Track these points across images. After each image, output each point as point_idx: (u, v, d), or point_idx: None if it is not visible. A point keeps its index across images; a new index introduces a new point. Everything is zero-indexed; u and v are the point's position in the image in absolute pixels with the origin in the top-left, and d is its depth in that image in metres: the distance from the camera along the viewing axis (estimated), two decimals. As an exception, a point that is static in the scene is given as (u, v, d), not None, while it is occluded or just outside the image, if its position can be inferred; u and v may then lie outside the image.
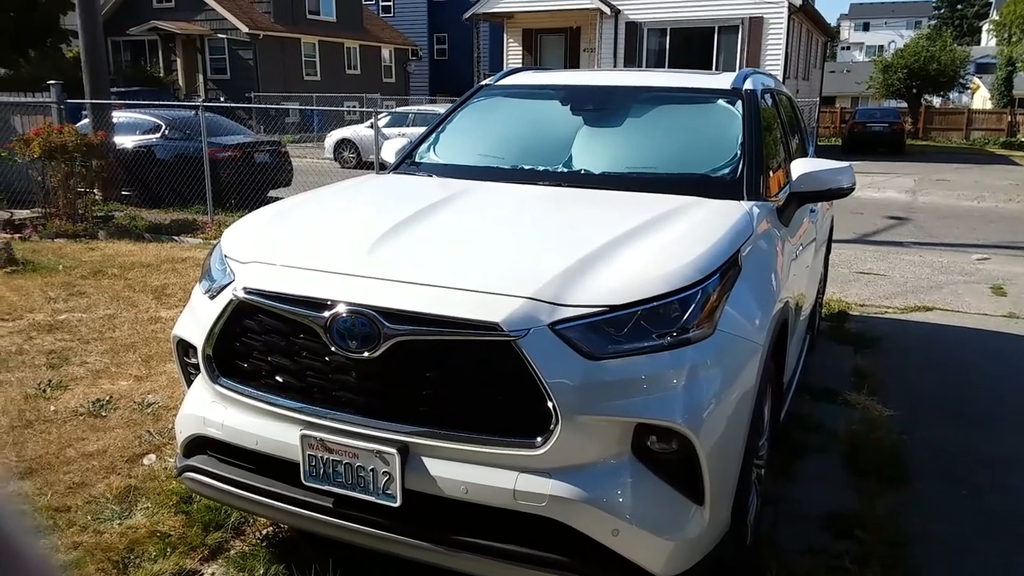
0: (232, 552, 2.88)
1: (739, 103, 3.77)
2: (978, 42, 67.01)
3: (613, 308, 2.24)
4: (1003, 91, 41.15)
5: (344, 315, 2.26)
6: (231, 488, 2.54)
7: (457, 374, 2.25)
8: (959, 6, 76.28)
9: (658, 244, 2.55)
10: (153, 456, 3.57)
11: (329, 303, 2.30)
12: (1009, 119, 38.38)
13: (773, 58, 21.45)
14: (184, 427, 2.67)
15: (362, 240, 2.56)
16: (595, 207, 3.16)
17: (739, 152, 3.48)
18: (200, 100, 27.97)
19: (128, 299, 6.43)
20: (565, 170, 3.60)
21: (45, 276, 7.19)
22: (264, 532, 3.01)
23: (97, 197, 11.33)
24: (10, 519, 0.61)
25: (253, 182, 11.02)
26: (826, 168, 3.48)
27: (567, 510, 2.17)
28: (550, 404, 2.13)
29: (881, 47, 69.12)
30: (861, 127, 29.33)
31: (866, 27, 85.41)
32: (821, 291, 5.78)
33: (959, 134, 38.68)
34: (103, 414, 4.11)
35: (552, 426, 2.15)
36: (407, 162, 3.94)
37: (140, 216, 10.75)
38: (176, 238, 9.80)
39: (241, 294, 2.44)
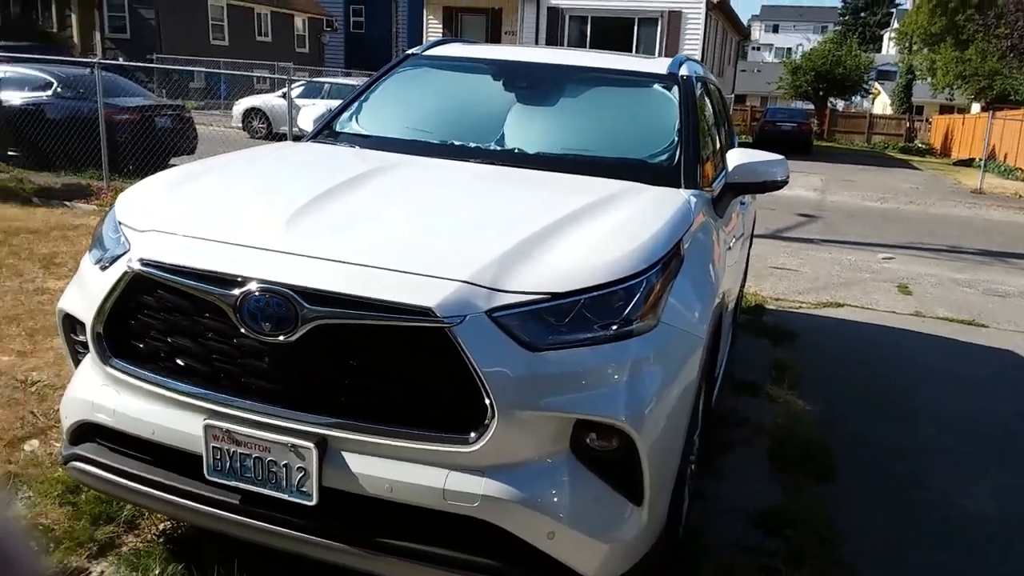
0: (124, 549, 2.59)
1: (675, 88, 3.66)
2: (879, 50, 70.02)
3: (556, 296, 2.08)
4: (903, 98, 43.08)
5: (257, 294, 2.02)
6: (123, 480, 2.26)
7: (384, 362, 2.04)
8: (863, 14, 79.40)
9: (601, 230, 2.39)
10: (36, 442, 3.22)
11: (240, 280, 2.05)
12: (908, 125, 40.27)
13: (691, 51, 21.68)
14: (70, 412, 2.37)
15: (279, 211, 2.31)
16: (532, 188, 2.98)
17: (676, 139, 3.38)
18: (95, 58, 26.42)
19: (12, 267, 5.90)
20: (498, 148, 3.41)
21: (-84, 240, 6.54)
22: (161, 527, 2.72)
23: (-22, 157, 10.49)
24: (5, 526, 0.64)
25: (154, 147, 10.39)
26: (762, 160, 3.41)
27: (501, 511, 2.00)
28: (486, 397, 1.96)
29: (790, 49, 71.49)
30: (772, 125, 30.13)
31: (776, 29, 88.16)
32: (742, 285, 5.79)
33: (861, 137, 40.35)
34: (-22, 394, 3.70)
35: (487, 421, 1.97)
36: (326, 131, 3.67)
37: (28, 179, 9.98)
38: (68, 203, 9.13)
39: (137, 266, 2.16)
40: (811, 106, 40.91)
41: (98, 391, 2.28)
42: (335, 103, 4.45)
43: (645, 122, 3.69)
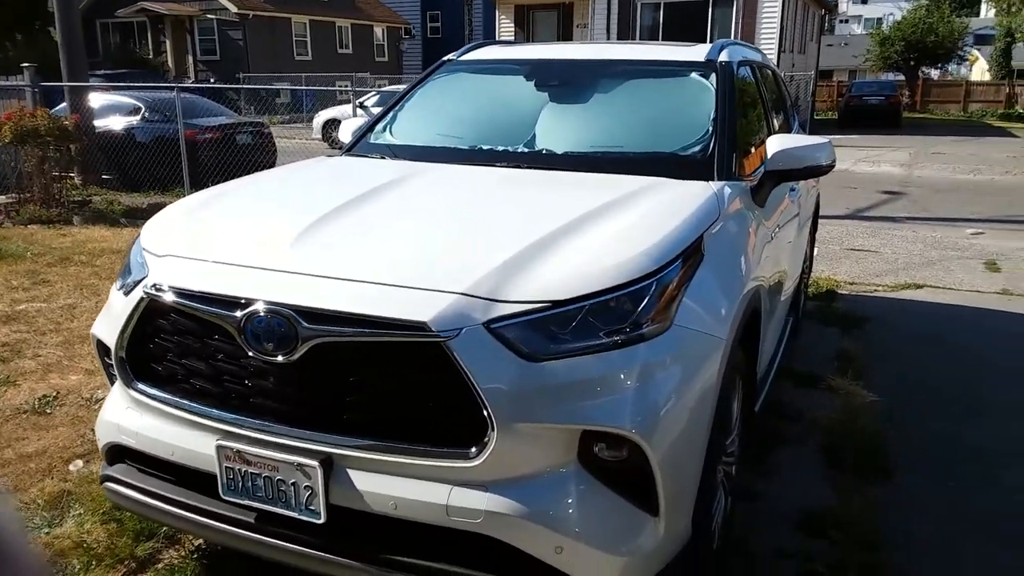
0: (160, 565, 2.68)
1: (713, 76, 3.53)
2: (977, 13, 66.19)
3: (557, 304, 2.03)
4: (1002, 63, 40.67)
5: (259, 314, 2.05)
6: (150, 500, 2.34)
7: (383, 379, 2.04)
8: (958, -23, 75.30)
9: (611, 231, 2.32)
10: (80, 462, 3.37)
11: (243, 301, 2.08)
12: (1007, 91, 37.94)
13: (768, 32, 21.06)
14: (102, 434, 2.48)
15: (286, 230, 2.33)
16: (551, 190, 2.93)
17: (711, 129, 3.25)
18: (190, 81, 27.59)
19: (92, 287, 6.22)
20: (526, 150, 3.36)
21: (11, 264, 6.97)
22: (197, 543, 2.81)
23: (76, 181, 11.09)
24: (5, 523, 0.64)
25: (234, 164, 10.78)
26: (803, 144, 3.25)
27: (505, 526, 1.97)
28: (484, 411, 1.93)
29: (879, 20, 68.34)
30: (857, 100, 28.96)
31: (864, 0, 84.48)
32: (807, 271, 5.56)
33: (957, 106, 38.26)
34: (48, 411, 3.91)
35: (487, 435, 1.94)
36: (362, 142, 3.71)
37: (118, 201, 10.51)
38: (152, 223, 9.55)
39: (152, 291, 2.23)
40: (901, 77, 39.07)
41: (123, 414, 2.37)
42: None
43: (679, 113, 3.57)
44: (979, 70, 50.82)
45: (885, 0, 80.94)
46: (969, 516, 3.17)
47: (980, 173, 15.17)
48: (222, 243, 2.37)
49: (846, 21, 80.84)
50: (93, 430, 3.60)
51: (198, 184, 10.75)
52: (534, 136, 3.46)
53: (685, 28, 21.66)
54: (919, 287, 6.73)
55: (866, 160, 16.68)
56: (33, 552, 0.66)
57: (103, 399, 3.97)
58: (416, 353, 1.99)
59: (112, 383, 2.57)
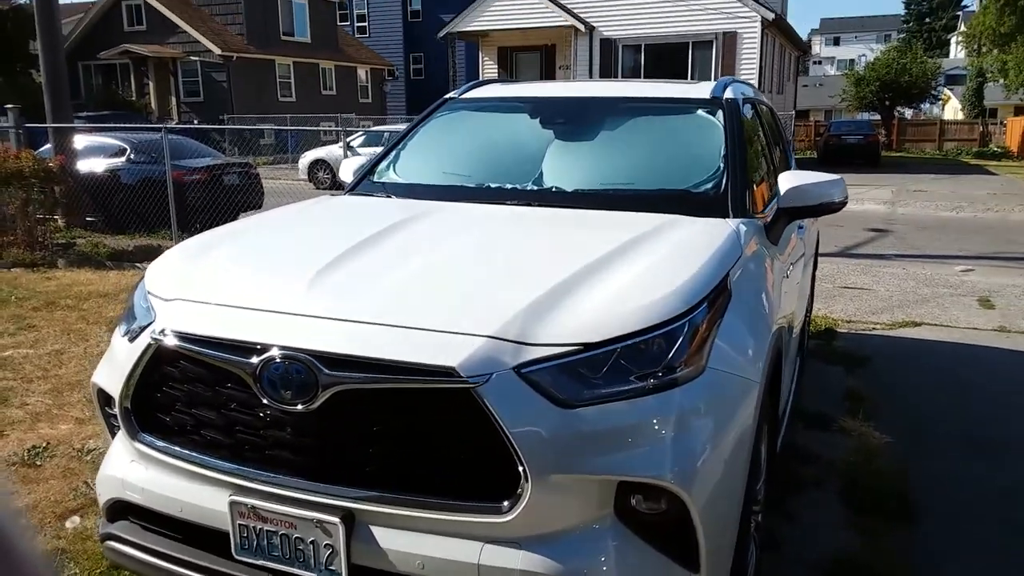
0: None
1: (720, 113, 3.50)
2: (947, 54, 67.78)
3: (588, 346, 1.94)
4: (974, 102, 41.51)
5: (276, 361, 1.94)
6: (156, 560, 2.20)
7: (409, 428, 1.93)
8: (927, 20, 77.21)
9: (638, 270, 2.25)
10: (77, 518, 3.21)
11: (259, 347, 1.98)
12: (981, 129, 38.70)
13: (747, 72, 21.38)
14: (103, 489, 2.34)
15: (301, 272, 2.24)
16: (567, 228, 2.86)
17: (722, 165, 3.21)
18: (173, 123, 27.55)
19: (80, 332, 6.05)
20: (535, 188, 3.30)
21: (-6, 309, 6.79)
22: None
23: (60, 224, 10.94)
24: (7, 521, 0.63)
25: (222, 205, 10.68)
26: (816, 181, 3.22)
27: (540, 585, 1.85)
28: (518, 462, 1.83)
29: (852, 61, 69.88)
30: (836, 140, 29.37)
31: (837, 41, 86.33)
32: (809, 309, 5.52)
33: (932, 145, 38.93)
34: (38, 463, 3.74)
35: (520, 488, 1.84)
36: (365, 182, 3.63)
37: (103, 243, 10.36)
38: (139, 265, 9.40)
39: (161, 337, 2.12)
40: (877, 117, 39.77)
41: (128, 468, 2.24)
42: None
43: (689, 150, 3.54)
44: (952, 109, 51.88)
45: (857, 42, 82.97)
46: (999, 560, 3.08)
47: (962, 210, 15.33)
48: (233, 286, 2.26)
49: (819, 62, 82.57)
50: (87, 483, 3.48)
51: (186, 225, 10.66)
52: (541, 174, 3.40)
53: (666, 69, 21.98)
54: (917, 325, 6.70)
55: (850, 198, 16.79)
56: (35, 548, 0.65)
57: (96, 450, 3.84)
58: (443, 400, 1.89)
59: (113, 435, 2.45)
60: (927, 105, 45.95)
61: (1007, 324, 6.68)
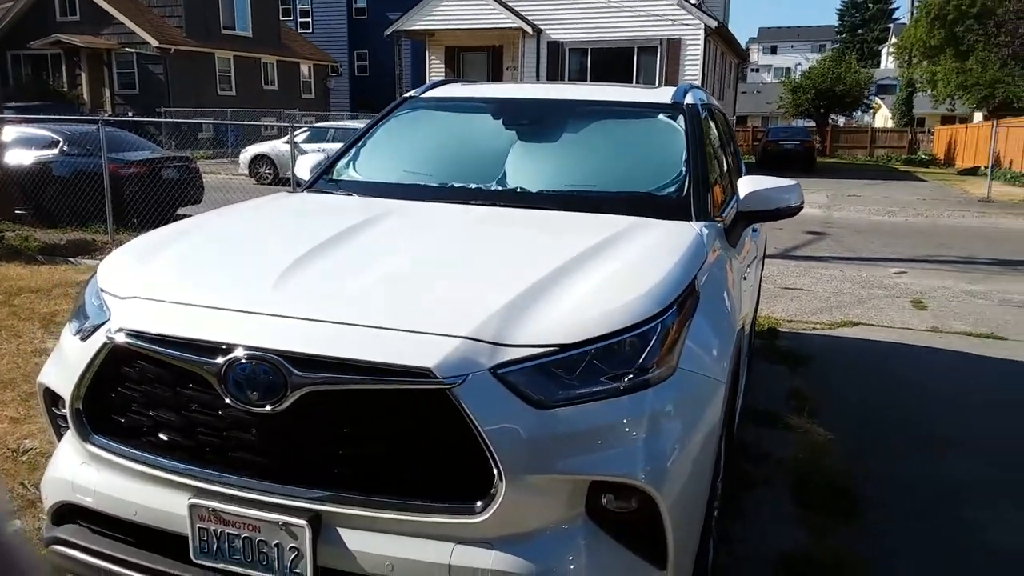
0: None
1: (681, 118, 3.54)
2: (878, 65, 70.18)
3: (565, 347, 1.94)
4: (904, 111, 42.97)
5: (243, 361, 1.89)
6: (108, 565, 2.11)
7: (381, 429, 1.90)
8: (860, 31, 79.71)
9: (609, 272, 2.26)
10: (18, 522, 3.07)
11: (224, 347, 1.92)
12: (910, 137, 40.11)
13: (691, 78, 21.72)
14: (50, 492, 2.24)
15: (266, 270, 2.18)
16: (535, 229, 2.85)
17: (684, 169, 3.25)
18: (107, 115, 26.69)
19: (11, 328, 5.81)
20: (499, 188, 3.29)
21: (-82, 305, 6.47)
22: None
23: (-13, 216, 10.50)
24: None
25: (160, 199, 10.39)
26: (775, 186, 3.28)
27: (511, 585, 1.84)
28: (493, 463, 1.81)
29: (789, 69, 71.78)
30: (774, 145, 30.14)
31: (774, 50, 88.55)
32: (756, 309, 5.63)
33: (864, 152, 40.22)
34: (-30, 466, 3.57)
35: (495, 488, 1.82)
36: (323, 179, 3.56)
37: (33, 236, 9.97)
38: (72, 260, 9.08)
39: (117, 336, 2.04)
40: (812, 124, 40.90)
41: (78, 470, 2.15)
42: (340, 146, 4.29)
43: (652, 154, 3.57)
44: (882, 117, 53.67)
45: (793, 51, 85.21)
46: (938, 548, 3.20)
47: (894, 215, 15.85)
48: (194, 284, 2.19)
49: (757, 70, 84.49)
50: (23, 484, 3.34)
51: (122, 219, 10.33)
52: (505, 174, 3.39)
53: (611, 73, 22.19)
54: (855, 325, 6.90)
55: (788, 202, 17.20)
56: (24, 546, 0.64)
57: (33, 450, 3.69)
58: (417, 401, 1.87)
59: (59, 436, 2.35)
60: (859, 113, 47.50)
61: (939, 324, 6.92)
